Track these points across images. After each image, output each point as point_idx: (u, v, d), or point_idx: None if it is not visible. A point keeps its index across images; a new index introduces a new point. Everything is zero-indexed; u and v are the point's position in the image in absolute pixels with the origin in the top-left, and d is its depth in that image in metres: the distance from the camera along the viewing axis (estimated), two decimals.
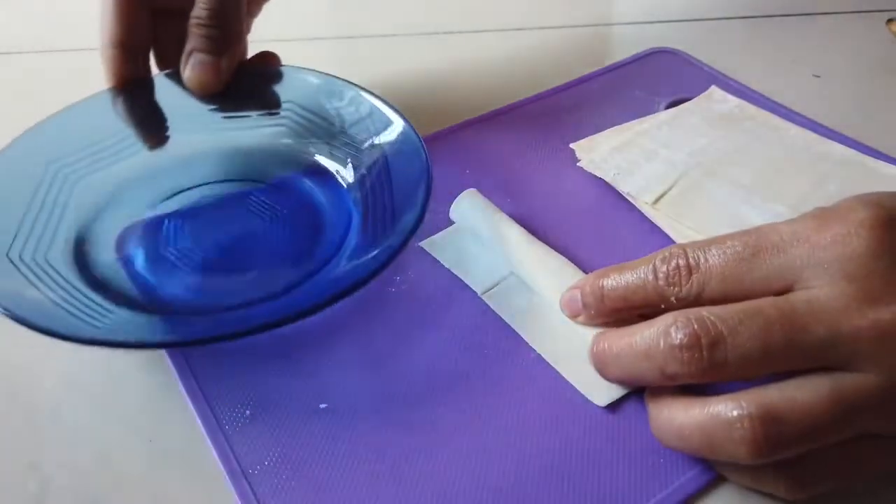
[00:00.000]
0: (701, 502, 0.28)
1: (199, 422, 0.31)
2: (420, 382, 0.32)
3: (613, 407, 0.31)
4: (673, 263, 0.29)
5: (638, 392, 0.31)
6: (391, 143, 0.39)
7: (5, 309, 0.30)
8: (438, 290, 0.36)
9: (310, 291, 0.34)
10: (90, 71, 0.40)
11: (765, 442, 0.25)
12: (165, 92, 0.42)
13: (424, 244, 0.38)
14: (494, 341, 0.34)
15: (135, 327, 0.32)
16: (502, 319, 0.34)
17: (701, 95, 0.47)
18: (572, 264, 0.35)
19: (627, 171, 0.41)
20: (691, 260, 0.29)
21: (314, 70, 0.43)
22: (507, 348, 0.33)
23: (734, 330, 0.26)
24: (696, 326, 0.26)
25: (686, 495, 0.28)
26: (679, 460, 0.29)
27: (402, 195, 0.37)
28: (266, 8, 0.45)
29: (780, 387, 0.25)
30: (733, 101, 0.47)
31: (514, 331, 0.34)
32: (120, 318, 0.32)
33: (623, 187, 0.40)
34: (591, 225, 0.39)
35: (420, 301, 0.36)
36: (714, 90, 0.48)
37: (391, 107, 0.41)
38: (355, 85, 0.42)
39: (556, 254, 0.36)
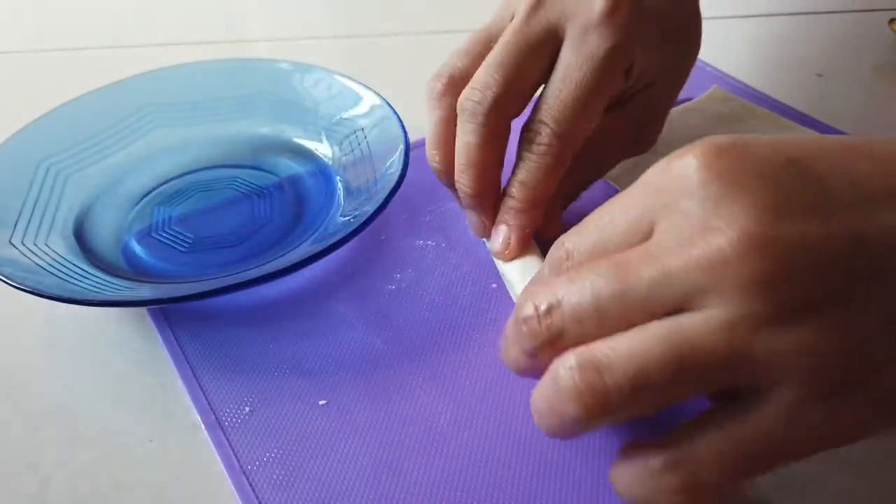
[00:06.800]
0: None
1: (198, 420, 0.31)
2: (418, 380, 0.32)
3: None
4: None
5: None
6: (364, 115, 0.43)
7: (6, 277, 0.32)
8: (438, 288, 0.36)
9: (290, 255, 0.37)
10: (80, 70, 0.40)
11: (588, 392, 0.22)
12: (151, 87, 0.45)
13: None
14: (494, 339, 0.33)
15: (127, 290, 0.34)
16: (502, 319, 0.34)
17: (703, 95, 0.47)
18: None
19: (629, 169, 0.41)
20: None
21: (285, 59, 0.47)
22: None
23: (568, 291, 0.24)
24: (533, 300, 0.25)
25: None
26: None
27: (381, 161, 0.40)
28: (266, 7, 0.45)
29: (611, 337, 0.23)
30: (736, 100, 0.47)
31: None
32: (116, 285, 0.35)
33: (625, 186, 0.40)
34: None
35: (419, 299, 0.36)
36: (716, 89, 0.48)
37: (362, 84, 0.44)
38: (326, 69, 0.45)
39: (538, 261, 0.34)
